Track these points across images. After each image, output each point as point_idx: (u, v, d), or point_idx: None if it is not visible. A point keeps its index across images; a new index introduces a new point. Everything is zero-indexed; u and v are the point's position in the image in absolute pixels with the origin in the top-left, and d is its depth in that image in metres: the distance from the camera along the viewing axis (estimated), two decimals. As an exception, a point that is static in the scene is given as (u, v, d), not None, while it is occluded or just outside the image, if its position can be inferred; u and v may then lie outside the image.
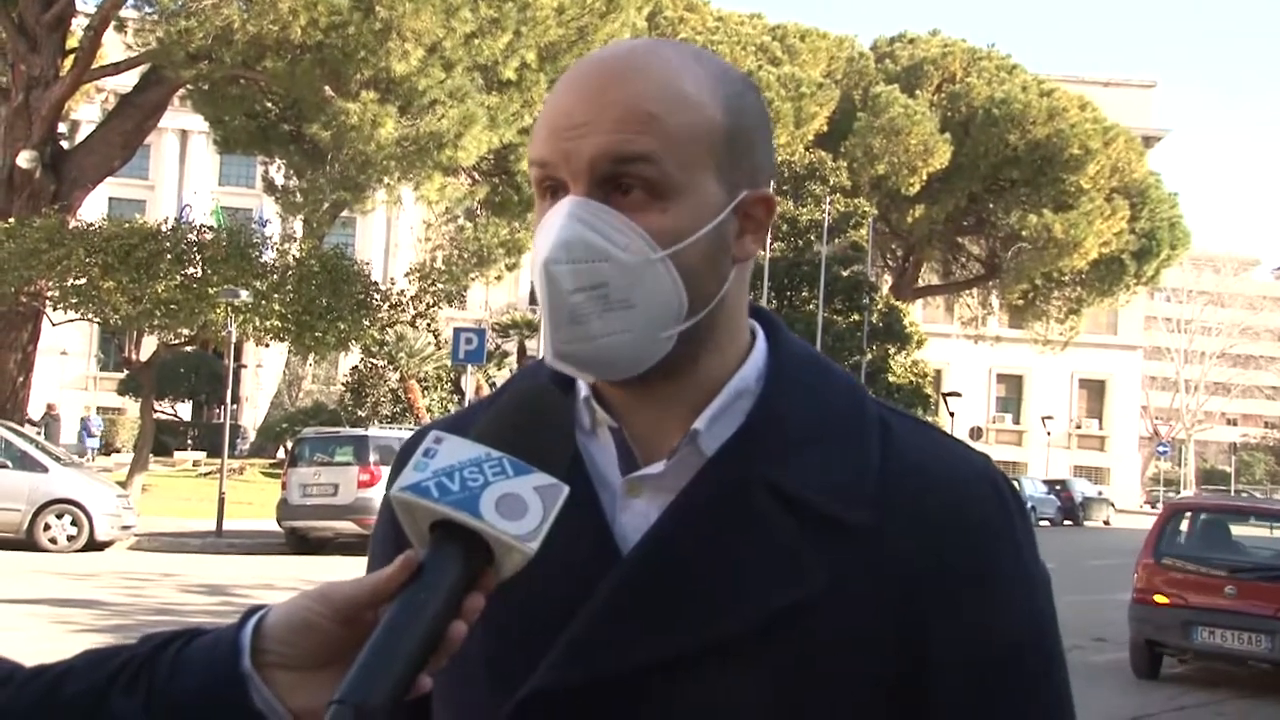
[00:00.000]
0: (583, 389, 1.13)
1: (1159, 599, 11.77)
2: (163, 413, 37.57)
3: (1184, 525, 12.81)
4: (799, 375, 1.13)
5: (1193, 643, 11.63)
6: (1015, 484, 1.16)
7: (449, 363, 30.31)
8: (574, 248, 1.03)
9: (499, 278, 34.30)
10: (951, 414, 43.59)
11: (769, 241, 35.43)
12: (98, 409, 49.45)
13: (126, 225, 23.29)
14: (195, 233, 23.61)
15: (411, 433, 1.25)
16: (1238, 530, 13.53)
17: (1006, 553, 1.10)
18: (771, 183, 1.15)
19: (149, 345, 25.76)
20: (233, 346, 23.35)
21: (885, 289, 44.71)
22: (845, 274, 38.50)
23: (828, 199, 38.19)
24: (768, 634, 1.03)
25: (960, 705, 1.07)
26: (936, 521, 1.07)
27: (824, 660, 1.04)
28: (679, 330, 1.07)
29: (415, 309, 31.84)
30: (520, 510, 0.91)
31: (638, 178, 1.05)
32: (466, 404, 1.70)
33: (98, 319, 24.61)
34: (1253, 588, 11.49)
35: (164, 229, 23.24)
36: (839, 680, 1.04)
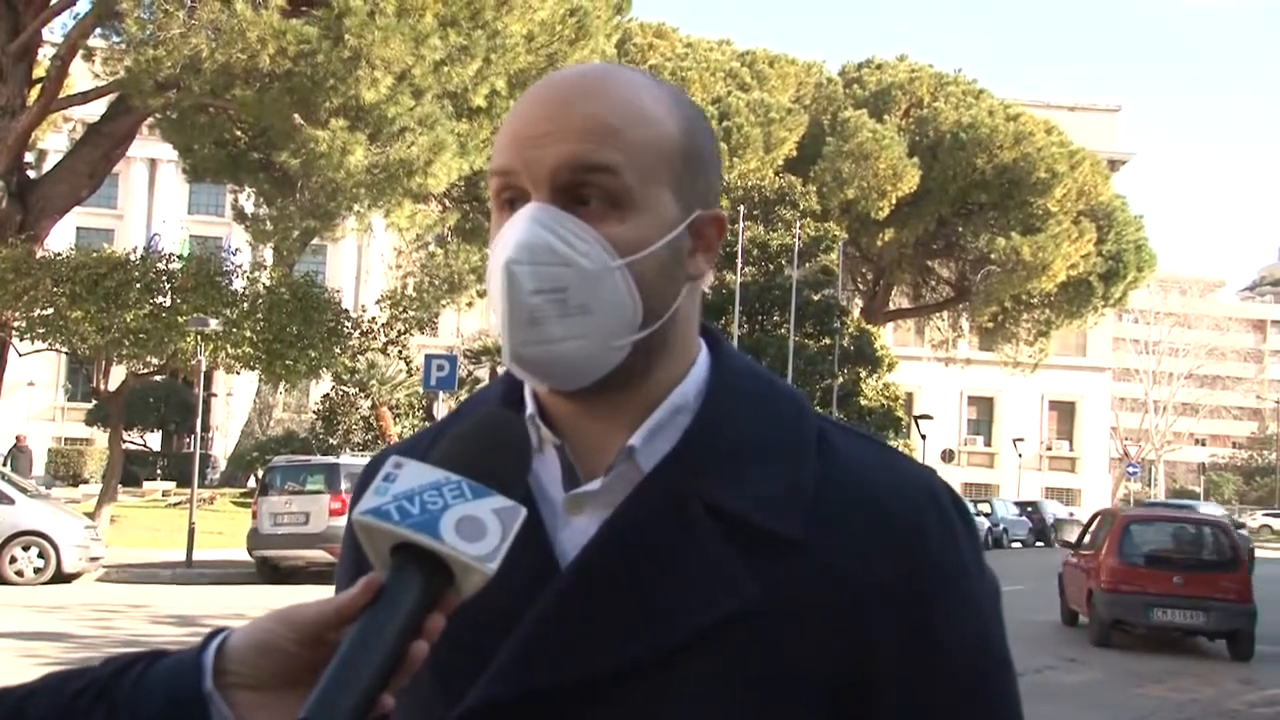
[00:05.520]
0: (529, 407, 1.15)
1: (1124, 588, 15.32)
2: (132, 443, 37.27)
3: (1138, 531, 16.62)
4: (738, 390, 1.14)
5: (1150, 620, 15.29)
6: (957, 493, 1.15)
7: (421, 389, 30.20)
8: (536, 250, 1.04)
9: (470, 304, 34.23)
10: (923, 436, 43.71)
11: (740, 266, 35.53)
12: (63, 439, 49.10)
13: (94, 254, 23.18)
14: (164, 261, 23.50)
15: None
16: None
17: (949, 566, 1.09)
18: (721, 205, 1.17)
19: (118, 375, 25.57)
20: (203, 375, 23.21)
21: (856, 313, 44.86)
22: (816, 298, 38.63)
23: (798, 224, 38.34)
24: (703, 648, 1.04)
25: None
26: (873, 535, 1.07)
27: (761, 674, 1.04)
28: (632, 340, 1.08)
29: (386, 336, 31.82)
30: (479, 532, 0.93)
31: (598, 188, 1.06)
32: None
33: (65, 349, 24.43)
34: (1195, 577, 15.30)
35: (133, 258, 23.14)
36: (777, 694, 1.05)
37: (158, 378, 30.17)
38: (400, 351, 33.32)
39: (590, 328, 1.06)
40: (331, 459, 23.00)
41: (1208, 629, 15.32)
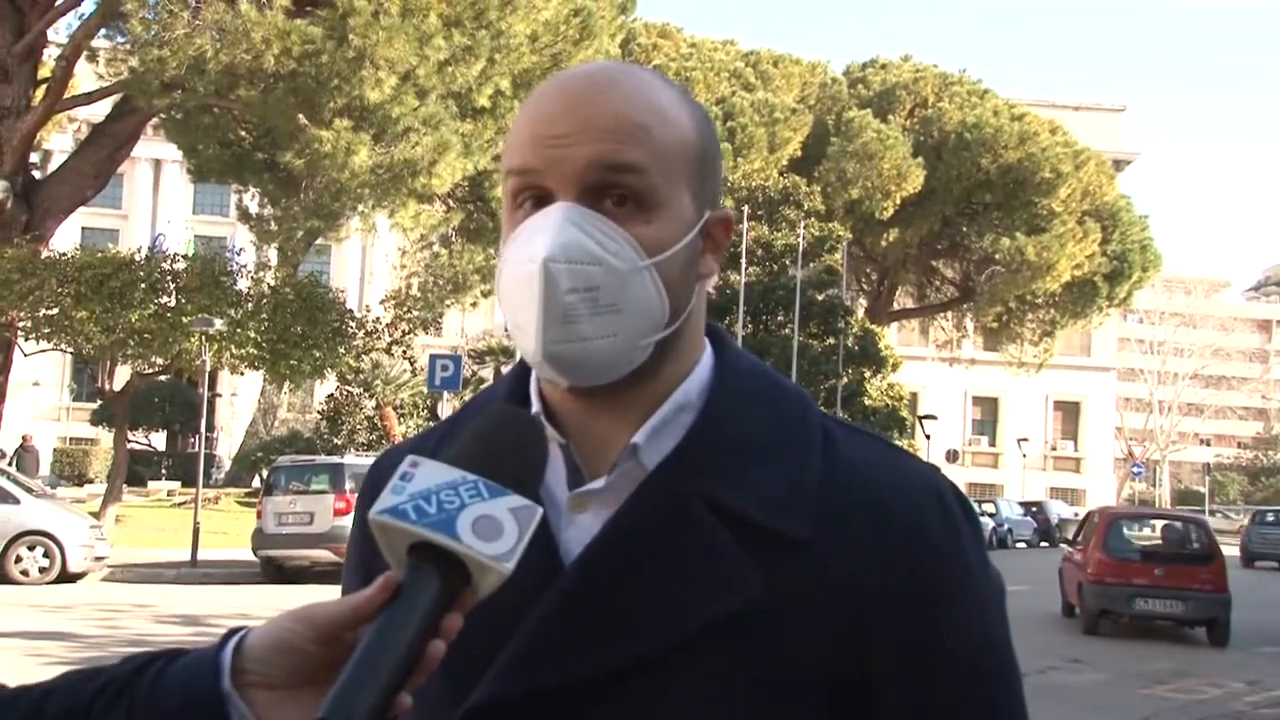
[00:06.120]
0: (534, 405, 1.15)
1: (1110, 579, 16.54)
2: (137, 442, 37.29)
3: (1123, 527, 18.18)
4: (742, 388, 1.14)
5: (1134, 609, 16.53)
6: (962, 493, 1.15)
7: (425, 389, 30.23)
8: (571, 250, 1.04)
9: (474, 304, 34.27)
10: (928, 436, 43.69)
11: (744, 266, 35.52)
12: (68, 439, 49.17)
13: (99, 255, 23.23)
14: (169, 262, 23.54)
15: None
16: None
17: (952, 566, 1.09)
18: (725, 205, 1.18)
19: (123, 375, 25.61)
20: (207, 375, 23.23)
21: (860, 313, 44.84)
22: (820, 298, 38.59)
23: (802, 224, 38.31)
24: (705, 646, 1.04)
25: None
26: (875, 534, 1.07)
27: (763, 672, 1.05)
28: (656, 339, 1.09)
29: (391, 336, 31.86)
30: (496, 531, 0.93)
31: (627, 188, 1.07)
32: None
33: (71, 349, 24.47)
34: (1174, 570, 16.54)
35: (137, 258, 23.17)
36: (779, 692, 1.05)
37: (162, 378, 30.20)
38: (404, 352, 33.34)
39: (620, 326, 1.06)
40: (336, 459, 23.00)
41: (1186, 617, 16.57)
